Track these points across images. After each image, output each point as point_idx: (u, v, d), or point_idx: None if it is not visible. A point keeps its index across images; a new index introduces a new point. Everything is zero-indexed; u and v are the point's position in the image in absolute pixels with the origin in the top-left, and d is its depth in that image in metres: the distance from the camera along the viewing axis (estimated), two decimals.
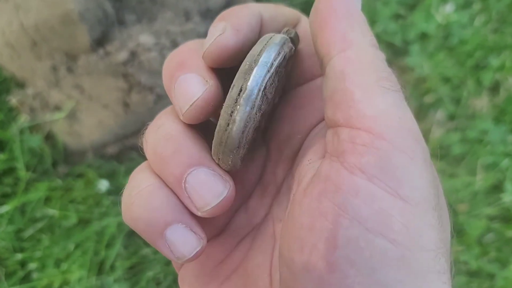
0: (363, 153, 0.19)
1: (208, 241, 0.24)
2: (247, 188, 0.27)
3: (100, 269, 0.79)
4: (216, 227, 0.26)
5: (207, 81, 0.22)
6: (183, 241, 0.22)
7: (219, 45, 0.22)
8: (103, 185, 0.82)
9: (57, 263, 0.78)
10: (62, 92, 0.76)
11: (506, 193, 0.93)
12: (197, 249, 0.23)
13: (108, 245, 0.80)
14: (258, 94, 0.21)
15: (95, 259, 0.79)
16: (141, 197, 0.22)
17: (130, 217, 0.22)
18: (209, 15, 0.80)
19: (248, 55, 0.22)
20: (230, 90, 0.21)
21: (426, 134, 0.99)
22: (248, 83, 0.21)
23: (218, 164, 0.23)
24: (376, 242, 0.17)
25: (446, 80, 1.01)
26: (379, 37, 1.03)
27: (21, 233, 0.79)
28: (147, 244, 0.82)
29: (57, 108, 0.78)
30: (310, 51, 0.26)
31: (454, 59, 1.02)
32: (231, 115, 0.21)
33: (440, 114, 1.00)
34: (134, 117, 0.77)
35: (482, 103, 1.00)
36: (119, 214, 0.81)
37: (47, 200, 0.81)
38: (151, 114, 0.78)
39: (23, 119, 0.80)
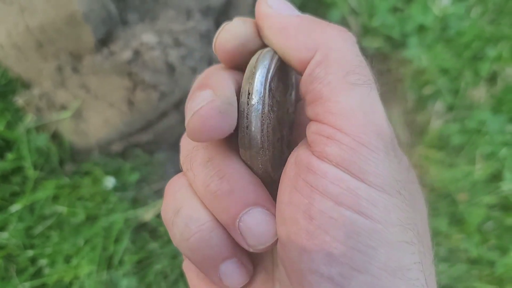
0: (327, 143, 0.21)
1: None
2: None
3: (109, 264, 0.80)
4: None
5: (217, 94, 0.23)
6: (235, 275, 0.24)
7: (228, 33, 0.25)
8: (110, 182, 0.83)
9: (67, 259, 0.80)
10: (68, 92, 0.77)
11: (505, 182, 0.94)
12: (246, 281, 0.25)
13: (116, 241, 0.81)
14: (265, 92, 0.23)
15: (104, 254, 0.80)
16: (201, 234, 0.23)
17: (188, 247, 0.23)
18: (209, 13, 0.81)
19: (248, 65, 0.24)
20: (240, 97, 0.23)
21: (425, 125, 1.00)
22: (253, 85, 0.23)
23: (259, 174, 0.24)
24: (346, 214, 0.20)
25: (444, 71, 1.02)
26: (377, 31, 1.04)
27: (31, 231, 0.80)
28: (154, 239, 0.83)
29: (63, 107, 0.80)
30: None
31: (452, 50, 1.03)
32: (246, 118, 0.23)
33: (438, 105, 1.01)
34: (139, 114, 0.78)
35: (480, 93, 1.01)
36: (126, 209, 0.82)
37: (55, 198, 0.82)
38: (155, 112, 0.79)
39: (30, 119, 0.81)
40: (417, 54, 1.02)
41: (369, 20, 1.04)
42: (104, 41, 0.72)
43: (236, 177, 0.23)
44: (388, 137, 0.21)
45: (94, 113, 0.79)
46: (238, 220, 0.23)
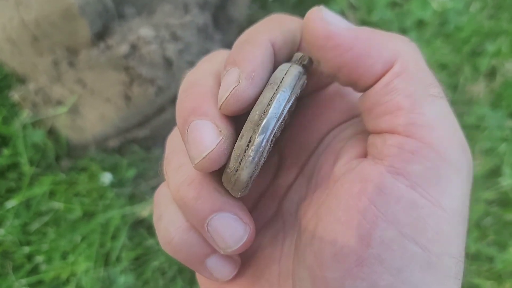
0: (409, 160, 0.19)
1: None
2: (259, 191, 0.29)
3: (106, 260, 0.80)
4: None
5: (220, 131, 0.22)
6: (222, 268, 0.25)
7: (236, 98, 0.22)
8: (107, 178, 0.82)
9: (64, 256, 0.79)
10: (64, 87, 0.76)
11: (504, 177, 0.94)
12: (234, 272, 0.25)
13: (113, 237, 0.81)
14: (266, 145, 0.21)
15: (101, 250, 0.80)
16: (180, 235, 0.23)
17: (172, 250, 0.24)
18: (207, 7, 0.80)
19: (258, 102, 0.22)
20: (239, 138, 0.22)
21: None
22: (257, 136, 0.21)
23: (237, 199, 0.24)
24: (408, 246, 0.19)
25: (443, 66, 1.02)
26: (376, 26, 1.04)
27: (27, 227, 0.80)
28: (151, 235, 0.83)
29: (59, 103, 0.79)
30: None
31: (451, 45, 1.03)
32: (240, 163, 0.21)
33: None
34: (136, 110, 0.78)
35: (479, 89, 1.01)
36: (123, 206, 0.82)
37: (52, 194, 0.82)
38: (152, 107, 0.79)
39: (26, 115, 0.81)
40: None
41: (368, 15, 1.04)
42: (100, 35, 0.71)
43: (203, 184, 0.23)
44: (469, 153, 0.20)
45: (91, 109, 0.79)
46: (206, 224, 0.23)
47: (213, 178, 0.23)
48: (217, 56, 0.26)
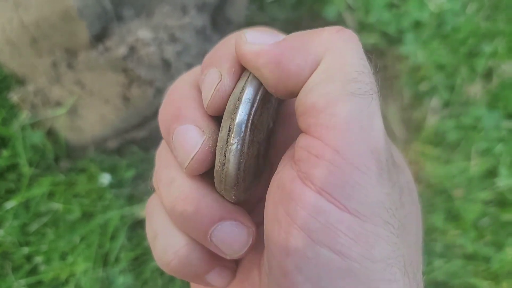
0: (315, 165, 0.19)
1: None
2: (252, 203, 0.29)
3: (105, 261, 0.80)
4: None
5: (203, 131, 0.22)
6: (221, 279, 0.25)
7: (221, 94, 0.22)
8: (106, 178, 0.83)
9: (63, 256, 0.80)
10: (63, 88, 0.77)
11: (500, 178, 0.94)
12: (233, 278, 0.26)
13: (112, 238, 0.81)
14: (246, 131, 0.22)
15: (100, 251, 0.80)
16: (179, 259, 0.24)
17: (170, 270, 0.24)
18: (205, 8, 0.81)
19: (232, 94, 0.22)
20: (220, 131, 0.22)
21: (421, 122, 1.01)
22: (235, 122, 0.22)
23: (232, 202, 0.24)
24: (322, 253, 0.18)
25: (440, 67, 1.03)
26: (373, 27, 1.04)
27: (26, 228, 0.80)
28: None
29: (58, 104, 0.79)
30: None
31: (448, 46, 1.03)
32: (225, 155, 0.22)
33: (435, 102, 1.01)
34: (134, 111, 0.78)
35: (475, 89, 1.02)
36: (122, 206, 0.82)
37: (51, 195, 0.82)
38: (151, 108, 0.79)
39: (25, 116, 0.81)
40: (413, 50, 1.02)
41: (365, 16, 1.04)
42: (99, 37, 0.72)
43: (199, 197, 0.23)
44: (383, 157, 0.20)
45: (90, 110, 0.79)
46: (209, 236, 0.23)
47: (207, 189, 0.23)
48: (194, 69, 0.27)
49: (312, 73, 0.21)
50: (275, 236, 0.20)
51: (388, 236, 0.19)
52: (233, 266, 0.26)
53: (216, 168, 0.22)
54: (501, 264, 0.89)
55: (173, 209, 0.23)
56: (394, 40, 1.04)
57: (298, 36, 0.22)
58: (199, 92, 0.24)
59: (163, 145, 0.26)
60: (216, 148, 0.22)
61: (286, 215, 0.19)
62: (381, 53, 1.05)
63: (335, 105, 0.19)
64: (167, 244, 0.24)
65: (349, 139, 0.19)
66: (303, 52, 0.21)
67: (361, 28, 1.05)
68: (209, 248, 0.24)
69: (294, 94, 0.22)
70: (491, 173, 0.96)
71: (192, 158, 0.22)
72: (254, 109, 0.22)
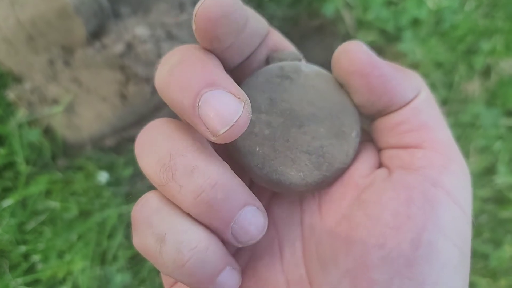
0: (442, 172, 0.23)
1: None
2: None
3: (102, 259, 0.80)
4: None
5: (239, 98, 0.21)
6: (231, 281, 0.23)
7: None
8: (103, 177, 0.82)
9: (60, 255, 0.79)
10: (59, 86, 0.76)
11: (499, 175, 0.94)
12: (240, 281, 0.24)
13: (110, 236, 0.81)
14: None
15: (97, 249, 0.80)
16: (197, 256, 0.22)
17: (184, 273, 0.22)
18: None
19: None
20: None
21: None
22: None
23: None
24: (449, 247, 0.22)
25: (439, 65, 1.03)
26: (372, 24, 1.04)
27: (23, 226, 0.80)
28: None
29: (55, 102, 0.79)
30: None
31: (446, 44, 1.03)
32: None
33: None
34: (132, 108, 0.78)
35: (474, 87, 1.02)
36: (119, 205, 0.82)
37: (48, 193, 0.82)
38: (148, 105, 0.79)
39: (22, 114, 0.81)
40: (411, 47, 1.02)
41: (364, 14, 1.04)
42: (96, 34, 0.71)
43: (227, 182, 0.22)
44: None
45: (87, 107, 0.79)
46: (232, 223, 0.22)
47: (232, 173, 0.23)
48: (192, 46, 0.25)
49: (413, 98, 0.25)
50: (403, 231, 0.22)
51: (469, 220, 0.24)
52: (238, 266, 0.25)
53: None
54: (499, 262, 0.89)
55: (197, 198, 0.21)
56: (393, 37, 1.04)
57: (396, 65, 0.26)
58: (216, 59, 0.23)
59: (161, 135, 0.23)
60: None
61: (422, 213, 0.22)
62: (379, 51, 1.05)
63: (441, 127, 0.25)
64: (181, 243, 0.22)
65: (457, 152, 0.24)
66: (408, 78, 0.25)
67: (360, 26, 1.05)
68: (224, 238, 0.23)
69: (384, 110, 0.25)
70: (489, 171, 0.96)
71: (233, 124, 0.20)
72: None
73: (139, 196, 0.24)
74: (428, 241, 0.21)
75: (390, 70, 0.24)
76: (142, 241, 0.22)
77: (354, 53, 0.24)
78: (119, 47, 0.71)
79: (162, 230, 0.22)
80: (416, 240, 0.21)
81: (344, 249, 0.23)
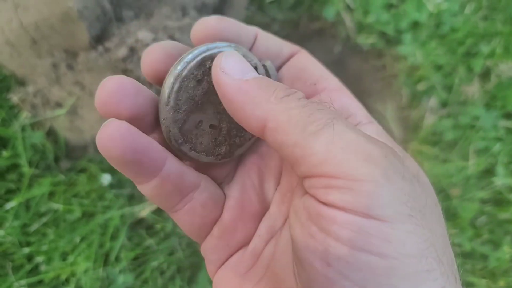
0: (327, 193, 0.21)
1: (238, 250, 0.29)
2: (267, 200, 0.30)
3: (105, 260, 0.81)
4: (244, 236, 0.30)
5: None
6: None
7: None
8: (106, 179, 0.83)
9: (63, 256, 0.80)
10: (62, 89, 0.77)
11: (498, 177, 0.95)
12: None
13: (113, 237, 0.81)
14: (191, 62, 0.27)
15: (100, 251, 0.80)
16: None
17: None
18: (204, 10, 0.81)
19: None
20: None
21: (419, 121, 1.01)
22: (189, 55, 0.28)
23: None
24: (361, 257, 0.20)
25: (438, 67, 1.03)
26: (372, 27, 1.05)
27: (27, 228, 0.80)
28: (150, 235, 0.84)
29: (58, 104, 0.79)
30: None
31: (446, 47, 1.04)
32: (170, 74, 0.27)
33: (433, 101, 1.02)
34: None
35: (473, 89, 1.02)
36: (122, 206, 0.82)
37: (51, 195, 0.82)
38: None
39: (25, 116, 0.81)
40: (411, 50, 1.03)
41: (364, 17, 1.04)
42: (98, 38, 0.72)
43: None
44: (380, 157, 0.21)
45: (89, 110, 0.79)
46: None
47: None
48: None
49: (262, 127, 0.24)
50: (311, 250, 0.21)
51: (415, 229, 0.20)
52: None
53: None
54: (498, 263, 0.90)
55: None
56: (393, 40, 1.05)
57: (254, 85, 0.25)
58: None
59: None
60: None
61: (319, 230, 0.21)
62: (379, 53, 1.06)
63: (310, 147, 0.22)
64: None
65: (336, 162, 0.21)
66: (251, 104, 0.24)
67: (360, 29, 1.05)
68: None
69: (252, 133, 0.25)
70: (488, 172, 0.97)
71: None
72: (186, 69, 0.27)
73: (142, 198, 0.26)
74: (336, 257, 0.21)
75: (235, 89, 0.25)
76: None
77: (214, 73, 0.26)
78: (122, 51, 0.71)
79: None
80: (324, 258, 0.21)
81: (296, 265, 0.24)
